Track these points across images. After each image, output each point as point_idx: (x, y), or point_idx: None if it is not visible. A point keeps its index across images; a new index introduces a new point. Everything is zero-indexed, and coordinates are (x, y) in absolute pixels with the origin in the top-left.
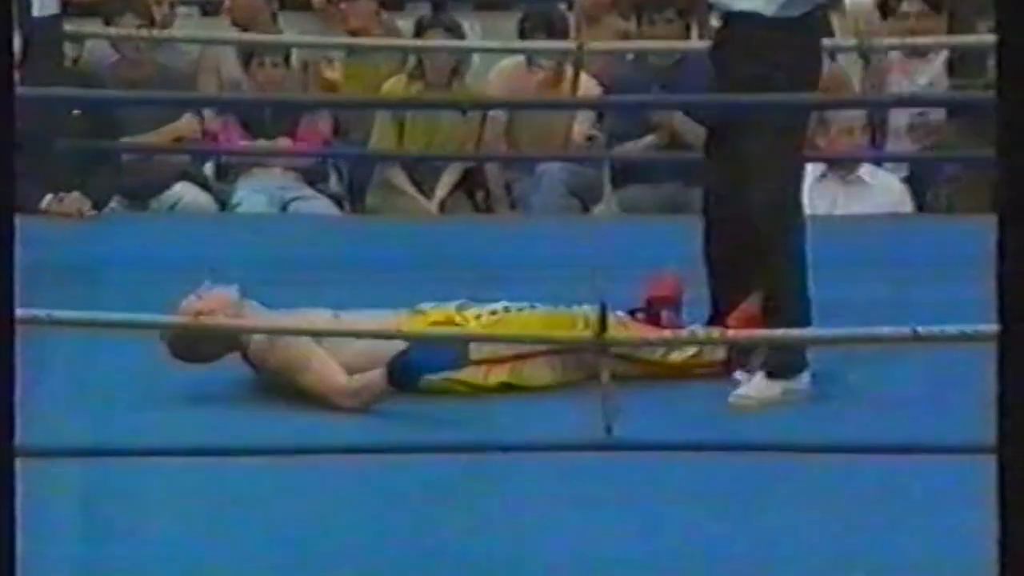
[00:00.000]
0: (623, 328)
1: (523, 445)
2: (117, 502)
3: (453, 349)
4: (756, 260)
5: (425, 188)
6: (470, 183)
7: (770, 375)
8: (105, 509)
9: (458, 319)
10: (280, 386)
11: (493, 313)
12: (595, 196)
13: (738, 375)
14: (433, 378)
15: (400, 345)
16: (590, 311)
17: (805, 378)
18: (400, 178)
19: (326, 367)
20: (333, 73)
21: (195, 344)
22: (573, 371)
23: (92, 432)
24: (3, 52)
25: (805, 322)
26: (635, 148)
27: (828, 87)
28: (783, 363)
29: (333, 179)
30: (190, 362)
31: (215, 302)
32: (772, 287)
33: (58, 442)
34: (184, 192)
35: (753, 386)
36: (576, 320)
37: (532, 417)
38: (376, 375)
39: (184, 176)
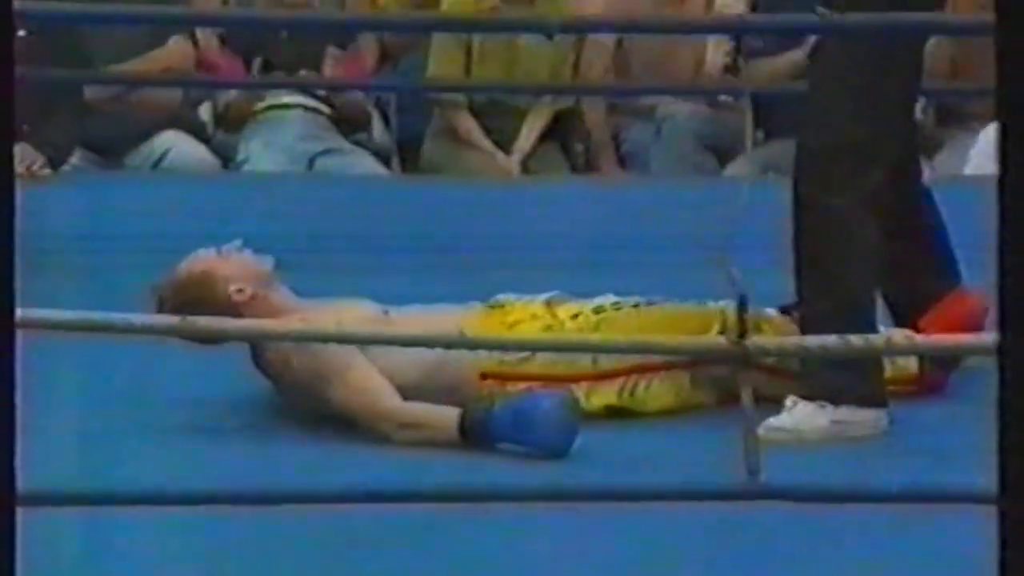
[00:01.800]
0: (774, 332)
1: (632, 492)
2: (102, 555)
3: (561, 412)
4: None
5: (502, 138)
6: (564, 131)
7: (821, 400)
8: (92, 562)
9: (548, 318)
10: (307, 405)
11: (597, 311)
12: (737, 149)
13: (789, 400)
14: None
15: (469, 359)
16: (729, 308)
17: (872, 414)
18: (468, 124)
19: (370, 382)
20: None
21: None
22: (704, 390)
23: (72, 471)
24: (3, 54)
25: (864, 328)
26: (777, 66)
27: None
28: (839, 387)
29: (377, 126)
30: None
31: (237, 267)
32: (812, 276)
33: (28, 483)
34: (173, 143)
35: (790, 415)
36: (710, 320)
37: (647, 452)
38: (444, 417)
39: (173, 122)
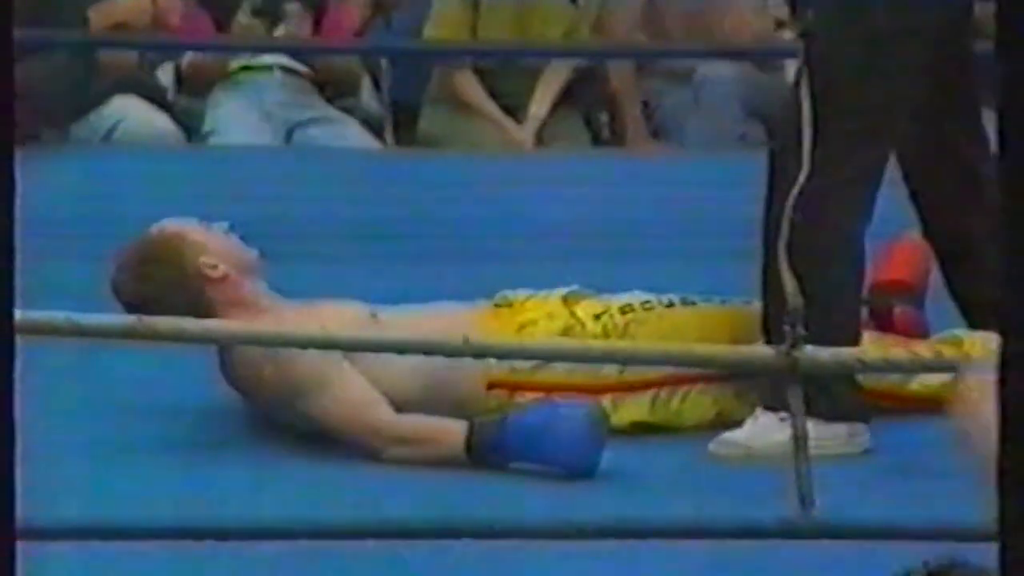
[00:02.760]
0: None
1: (666, 528)
2: None
3: (587, 425)
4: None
5: (512, 104)
6: (585, 96)
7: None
8: None
9: (566, 317)
10: (283, 420)
11: (625, 311)
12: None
13: (757, 411)
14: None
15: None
16: None
17: (843, 429)
18: (472, 88)
19: (357, 392)
20: None
21: (148, 291)
22: (750, 403)
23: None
24: (3, 55)
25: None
26: None
27: None
28: (809, 399)
29: (366, 90)
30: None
31: (216, 241)
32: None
33: None
34: (127, 111)
35: (747, 428)
36: (757, 322)
37: (683, 474)
38: (446, 431)
39: (127, 86)
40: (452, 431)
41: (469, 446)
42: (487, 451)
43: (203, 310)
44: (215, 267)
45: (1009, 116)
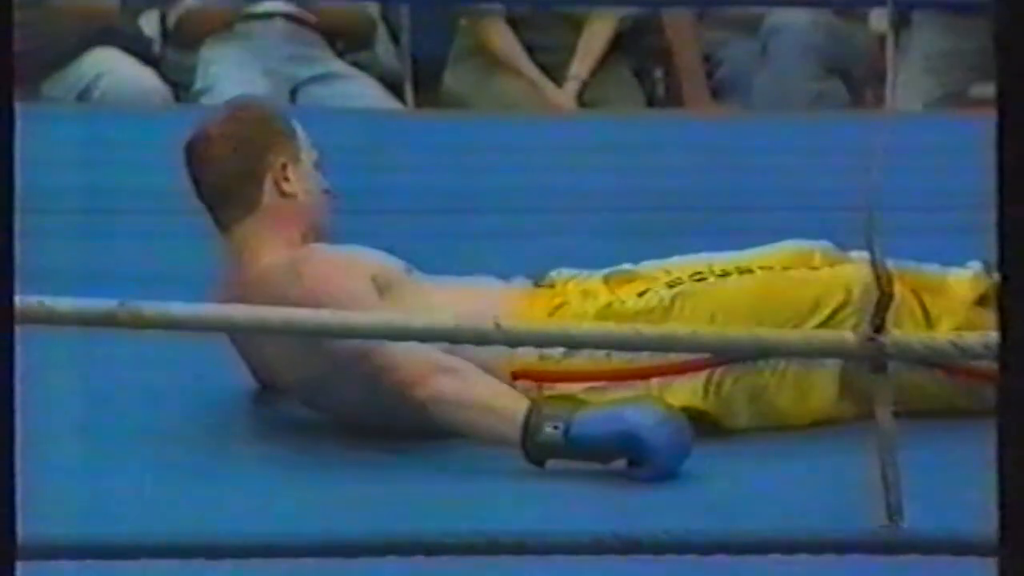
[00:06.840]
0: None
1: (724, 541)
2: None
3: (668, 424)
4: None
5: (552, 59)
6: (636, 50)
7: None
8: None
9: (605, 296)
10: (299, 371)
11: (671, 283)
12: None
13: None
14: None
15: None
16: (862, 268)
17: None
18: (505, 40)
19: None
20: None
21: (216, 160)
22: (829, 389)
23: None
24: (3, 51)
25: None
26: None
27: None
28: None
29: (383, 41)
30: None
31: (309, 165)
32: None
33: None
34: (107, 66)
35: None
36: (832, 290)
37: (741, 478)
38: (502, 410)
39: (107, 37)
40: (508, 415)
41: (525, 440)
42: (543, 447)
43: (249, 210)
44: (289, 180)
45: (1009, 116)
